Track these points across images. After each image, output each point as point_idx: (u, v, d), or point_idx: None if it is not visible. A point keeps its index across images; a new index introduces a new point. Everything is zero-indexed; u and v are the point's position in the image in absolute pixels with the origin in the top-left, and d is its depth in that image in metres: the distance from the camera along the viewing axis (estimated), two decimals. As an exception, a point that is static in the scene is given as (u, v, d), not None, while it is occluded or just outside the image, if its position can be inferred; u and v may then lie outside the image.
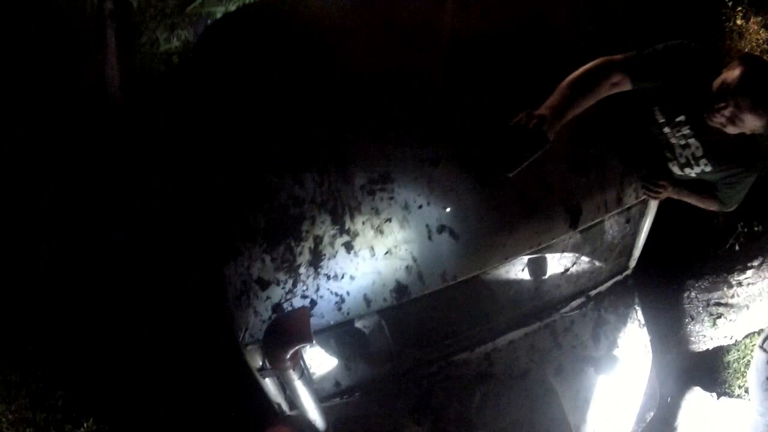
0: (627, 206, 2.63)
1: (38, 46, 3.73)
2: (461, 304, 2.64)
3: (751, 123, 2.31)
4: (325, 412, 2.49)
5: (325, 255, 2.15)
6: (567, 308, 2.91)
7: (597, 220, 2.52)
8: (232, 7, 3.93)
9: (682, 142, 2.57)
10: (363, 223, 2.16)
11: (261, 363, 2.25)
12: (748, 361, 4.47)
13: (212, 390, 2.92)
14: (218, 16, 3.95)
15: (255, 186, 2.24)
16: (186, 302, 2.72)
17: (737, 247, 4.32)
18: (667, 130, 2.57)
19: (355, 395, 2.61)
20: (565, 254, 2.77)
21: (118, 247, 3.01)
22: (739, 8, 6.00)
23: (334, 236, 2.15)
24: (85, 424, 2.78)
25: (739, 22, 5.85)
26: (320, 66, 2.48)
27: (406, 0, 2.80)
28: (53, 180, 3.39)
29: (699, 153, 2.58)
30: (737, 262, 4.15)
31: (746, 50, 5.73)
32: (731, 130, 2.36)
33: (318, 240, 2.16)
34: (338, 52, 2.51)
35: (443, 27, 2.61)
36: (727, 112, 2.31)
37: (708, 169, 2.61)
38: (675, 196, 2.83)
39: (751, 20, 5.95)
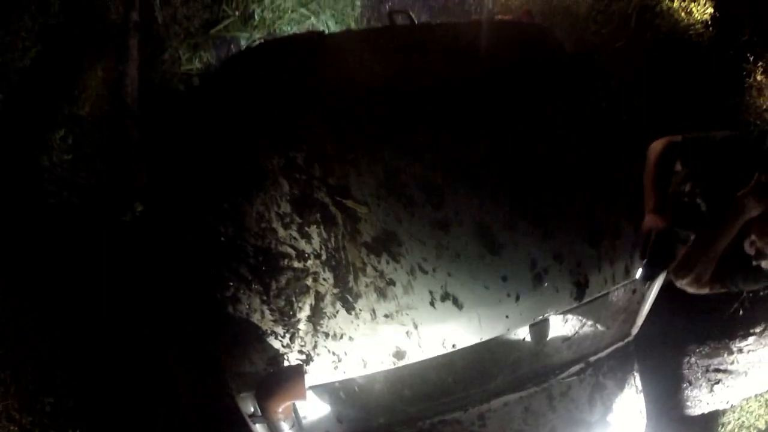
0: (634, 278, 2.58)
1: (56, 46, 3.70)
2: (460, 365, 2.61)
3: None
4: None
5: (325, 313, 2.11)
6: (565, 374, 2.87)
7: (602, 293, 2.48)
8: (257, 35, 3.92)
9: None
10: (366, 285, 2.13)
11: (252, 410, 2.23)
12: (743, 422, 4.51)
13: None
14: (242, 42, 3.93)
15: (260, 233, 2.22)
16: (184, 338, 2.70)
17: (741, 312, 4.23)
18: None
19: (345, 446, 2.58)
20: (569, 321, 2.73)
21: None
22: (760, 63, 5.94)
23: (336, 295, 2.12)
24: (69, 432, 2.82)
25: (759, 77, 5.78)
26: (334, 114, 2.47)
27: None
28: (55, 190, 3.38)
29: None
30: (740, 328, 4.10)
31: (765, 106, 5.67)
32: None
33: (319, 297, 2.12)
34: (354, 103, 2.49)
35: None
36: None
37: None
38: None
39: (772, 74, 5.90)
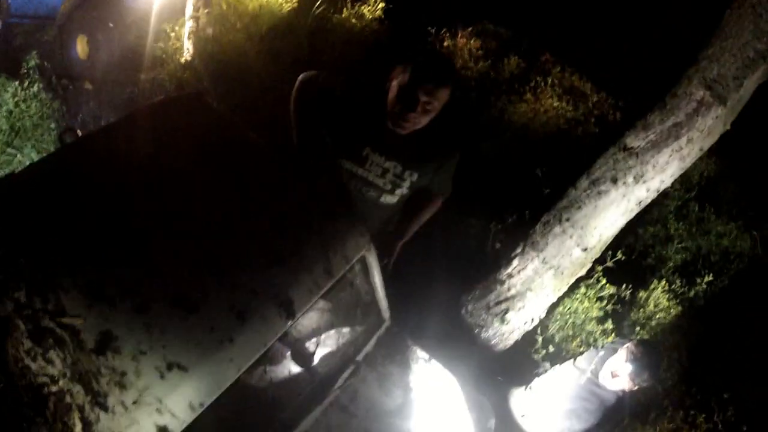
0: (340, 275, 3.08)
1: None
2: (243, 413, 3.09)
3: (443, 98, 2.84)
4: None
5: (90, 420, 2.57)
6: (340, 381, 3.38)
7: (314, 300, 3.02)
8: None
9: (379, 171, 3.08)
10: (107, 383, 2.60)
11: None
12: (574, 322, 4.71)
13: None
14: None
15: (21, 373, 2.55)
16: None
17: (498, 245, 4.70)
18: (361, 171, 3.06)
19: None
20: (320, 337, 3.32)
21: None
22: (444, 31, 7.02)
23: (91, 402, 2.59)
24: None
25: (446, 43, 6.83)
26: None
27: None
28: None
29: (399, 169, 3.10)
30: (501, 259, 4.40)
31: (460, 63, 6.66)
32: (425, 120, 2.88)
33: (81, 408, 2.58)
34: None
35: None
36: (419, 107, 2.80)
37: (415, 177, 3.13)
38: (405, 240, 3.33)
39: (459, 36, 7.01)
